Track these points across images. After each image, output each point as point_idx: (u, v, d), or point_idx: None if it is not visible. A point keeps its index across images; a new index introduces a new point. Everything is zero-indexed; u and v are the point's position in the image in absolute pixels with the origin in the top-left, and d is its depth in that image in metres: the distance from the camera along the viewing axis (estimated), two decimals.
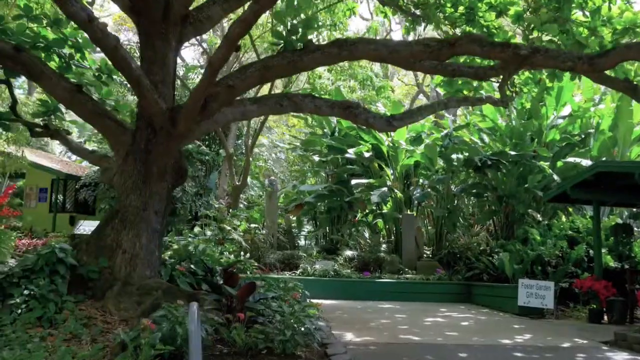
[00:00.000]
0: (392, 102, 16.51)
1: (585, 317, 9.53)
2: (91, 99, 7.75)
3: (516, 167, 13.92)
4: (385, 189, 13.59)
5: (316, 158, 16.65)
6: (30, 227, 19.09)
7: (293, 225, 16.20)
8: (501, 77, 8.24)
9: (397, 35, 37.39)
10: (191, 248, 8.71)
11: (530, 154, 13.58)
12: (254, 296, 6.63)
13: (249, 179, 25.77)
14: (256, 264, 12.47)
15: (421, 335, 7.69)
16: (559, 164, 14.04)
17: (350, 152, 14.22)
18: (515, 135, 14.44)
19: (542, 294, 9.35)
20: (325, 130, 16.27)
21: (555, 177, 13.14)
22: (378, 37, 22.94)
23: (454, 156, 13.98)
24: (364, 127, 14.87)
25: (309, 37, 7.65)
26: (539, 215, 13.19)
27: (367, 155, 14.41)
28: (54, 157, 26.40)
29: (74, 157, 27.09)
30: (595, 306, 9.36)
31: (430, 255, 14.45)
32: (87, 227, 18.03)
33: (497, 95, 12.17)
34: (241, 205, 18.56)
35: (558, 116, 14.93)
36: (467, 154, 13.82)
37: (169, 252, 8.97)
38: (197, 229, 13.64)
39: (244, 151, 22.73)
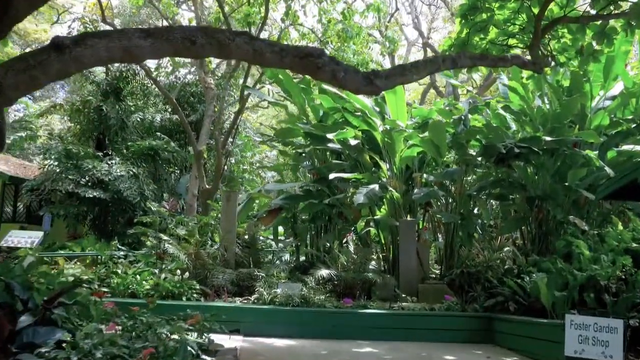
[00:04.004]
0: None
1: None
2: None
3: (552, 158, 10.89)
4: (375, 186, 10.56)
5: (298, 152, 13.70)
6: None
7: (261, 236, 13.23)
8: None
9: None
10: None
11: (572, 139, 10.56)
12: None
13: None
14: (198, 286, 9.57)
15: None
16: (611, 154, 10.98)
17: (331, 138, 11.22)
18: (552, 118, 11.41)
19: (604, 339, 6.25)
20: (310, 118, 13.32)
21: (608, 170, 10.09)
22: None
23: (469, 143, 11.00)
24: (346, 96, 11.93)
25: None
26: (584, 223, 10.11)
27: (353, 143, 11.41)
28: (4, 156, 23.71)
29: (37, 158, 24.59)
30: None
31: (438, 276, 11.39)
32: (16, 238, 15.34)
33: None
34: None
35: (606, 96, 11.90)
36: (487, 139, 10.80)
37: None
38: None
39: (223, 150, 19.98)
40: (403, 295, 10.01)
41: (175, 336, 4.54)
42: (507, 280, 9.17)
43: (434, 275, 11.56)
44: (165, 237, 10.35)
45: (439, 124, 10.55)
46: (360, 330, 8.91)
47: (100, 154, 18.05)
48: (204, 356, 4.46)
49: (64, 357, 3.64)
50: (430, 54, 29.55)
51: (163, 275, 9.72)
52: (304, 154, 13.03)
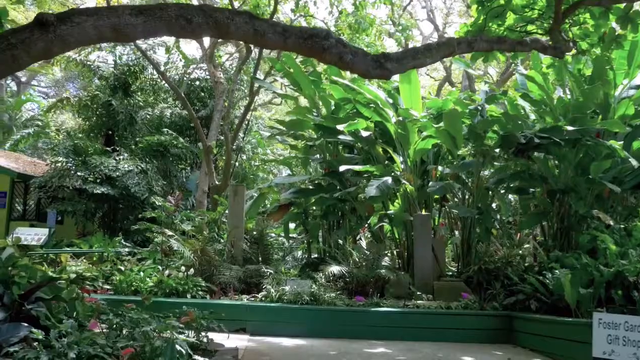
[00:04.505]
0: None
1: None
2: None
3: (574, 149, 10.38)
4: (388, 179, 10.12)
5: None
6: None
7: (272, 233, 12.85)
8: None
9: None
10: None
11: (595, 129, 10.05)
12: None
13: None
14: (203, 283, 9.23)
15: None
16: (636, 144, 10.47)
17: (342, 129, 10.78)
18: (573, 108, 10.91)
19: (637, 339, 5.79)
20: (321, 111, 12.89)
21: (633, 161, 9.59)
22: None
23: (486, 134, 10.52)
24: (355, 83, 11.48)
25: None
26: (608, 217, 9.58)
27: (365, 134, 10.97)
28: (15, 154, 23.63)
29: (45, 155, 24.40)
30: None
31: (455, 273, 10.94)
32: (22, 235, 15.13)
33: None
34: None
35: (631, 84, 11.35)
36: (506, 129, 10.32)
37: None
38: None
39: (234, 146, 19.72)
40: (418, 293, 9.58)
41: (167, 335, 4.16)
42: (528, 277, 8.70)
43: (450, 273, 11.10)
44: (169, 233, 10.01)
45: (454, 113, 10.07)
46: (372, 330, 8.52)
47: (108, 149, 17.80)
48: (196, 356, 4.08)
49: (33, 356, 3.29)
50: None
51: (167, 272, 9.38)
52: (314, 147, 12.61)
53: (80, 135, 19.35)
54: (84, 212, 16.92)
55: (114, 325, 4.13)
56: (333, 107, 12.34)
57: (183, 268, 9.67)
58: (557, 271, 8.24)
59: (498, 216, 11.70)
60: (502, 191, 11.43)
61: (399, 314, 8.73)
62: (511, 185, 11.22)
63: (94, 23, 4.95)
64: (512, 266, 9.69)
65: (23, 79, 37.58)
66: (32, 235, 15.29)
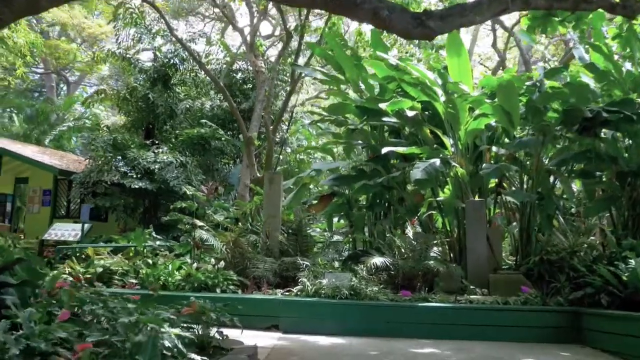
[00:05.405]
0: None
1: None
2: None
3: None
4: (436, 161, 9.24)
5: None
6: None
7: (313, 226, 12.14)
8: None
9: None
10: None
11: None
12: None
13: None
14: (235, 277, 8.60)
15: None
16: None
17: (384, 108, 9.95)
18: None
19: None
20: (365, 94, 12.11)
21: None
22: None
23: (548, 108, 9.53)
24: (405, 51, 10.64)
25: None
26: None
27: (410, 114, 10.11)
28: (61, 153, 23.74)
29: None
30: None
31: (513, 266, 9.97)
32: (59, 230, 14.96)
33: None
34: None
35: None
36: (569, 104, 9.29)
37: None
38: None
39: (278, 138, 19.15)
40: (471, 287, 8.69)
41: (167, 329, 3.50)
42: (598, 268, 7.67)
43: (508, 265, 10.14)
44: (199, 223, 9.44)
45: (510, 86, 9.11)
46: (419, 327, 7.67)
47: (147, 142, 17.50)
48: (192, 355, 3.39)
49: None
50: (499, 30, 27.80)
51: (195, 265, 8.79)
52: (356, 131, 11.81)
53: (121, 130, 19.15)
54: (124, 208, 16.65)
55: (89, 316, 3.49)
56: (377, 91, 11.54)
57: (213, 261, 9.08)
58: (631, 261, 7.24)
59: (561, 202, 10.63)
60: (565, 174, 10.37)
61: (449, 309, 7.86)
62: (575, 167, 10.15)
63: None
64: (578, 257, 8.67)
65: (72, 79, 38.14)
66: (69, 230, 15.12)
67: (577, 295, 7.89)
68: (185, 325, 4.29)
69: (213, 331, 4.58)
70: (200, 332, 4.42)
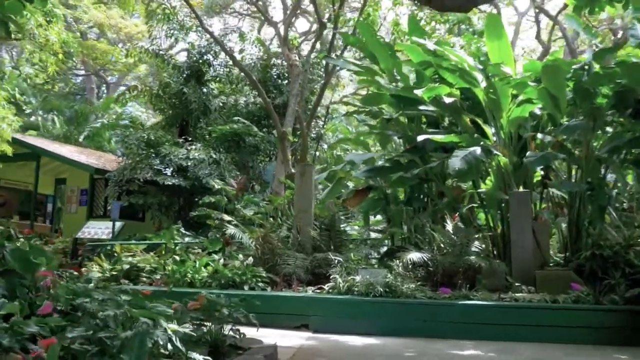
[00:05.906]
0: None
1: None
2: None
3: None
4: (477, 149, 8.66)
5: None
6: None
7: (350, 224, 11.68)
8: None
9: None
10: None
11: None
12: None
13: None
14: (264, 274, 8.23)
15: None
16: None
17: (420, 95, 9.41)
18: None
19: None
20: (399, 84, 11.58)
21: None
22: None
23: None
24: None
25: None
26: None
27: (448, 101, 9.55)
28: (99, 153, 23.89)
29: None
30: None
31: (562, 261, 9.31)
32: (92, 229, 14.91)
33: None
34: None
35: None
36: (621, 86, 8.59)
37: None
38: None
39: (314, 134, 18.77)
40: (516, 284, 8.09)
41: (163, 324, 3.11)
42: None
43: (557, 260, 9.49)
44: (227, 218, 9.09)
45: (556, 67, 8.47)
46: (459, 327, 7.16)
47: (180, 140, 17.34)
48: (193, 354, 2.99)
49: None
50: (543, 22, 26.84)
51: (221, 261, 8.45)
52: (392, 122, 11.30)
53: (155, 127, 19.06)
54: (159, 206, 16.52)
55: (69, 310, 3.13)
56: (413, 77, 11.00)
57: (241, 257, 8.72)
58: None
59: (614, 192, 9.89)
60: (618, 162, 9.63)
61: (492, 308, 7.31)
62: (629, 154, 9.41)
63: None
64: (634, 251, 8.00)
65: (111, 80, 38.57)
66: (102, 229, 15.05)
67: (635, 292, 7.25)
68: (195, 322, 3.92)
69: (227, 329, 4.19)
70: (212, 330, 4.04)
